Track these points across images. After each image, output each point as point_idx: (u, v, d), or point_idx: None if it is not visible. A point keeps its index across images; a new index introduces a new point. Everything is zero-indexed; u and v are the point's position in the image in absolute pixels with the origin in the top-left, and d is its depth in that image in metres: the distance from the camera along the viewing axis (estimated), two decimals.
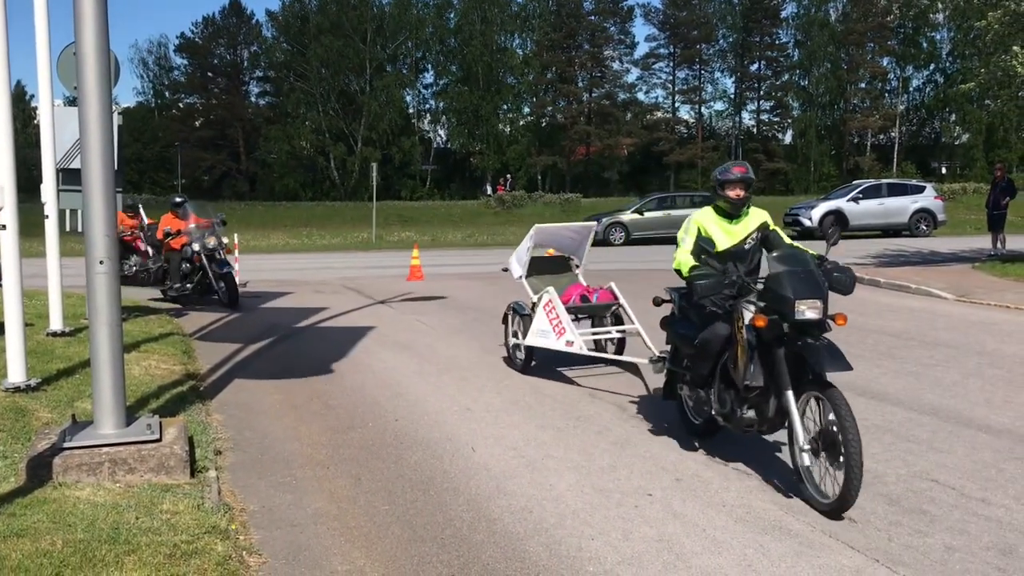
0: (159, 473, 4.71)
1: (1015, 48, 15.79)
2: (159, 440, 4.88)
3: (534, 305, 8.02)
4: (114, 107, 5.60)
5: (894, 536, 4.24)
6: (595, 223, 9.16)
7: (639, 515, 4.57)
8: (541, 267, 8.74)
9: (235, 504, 4.70)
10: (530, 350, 8.00)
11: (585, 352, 7.68)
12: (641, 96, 66.38)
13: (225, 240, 12.95)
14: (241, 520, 4.47)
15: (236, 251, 17.67)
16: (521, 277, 8.40)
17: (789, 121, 64.66)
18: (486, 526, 4.46)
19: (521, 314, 8.19)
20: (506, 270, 8.64)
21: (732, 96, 65.94)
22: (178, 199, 13.44)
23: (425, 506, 4.75)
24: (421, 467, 5.42)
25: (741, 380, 4.95)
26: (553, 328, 7.65)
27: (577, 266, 8.90)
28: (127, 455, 4.70)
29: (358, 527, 4.47)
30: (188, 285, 12.89)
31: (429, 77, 67.66)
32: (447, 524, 4.49)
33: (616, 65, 65.42)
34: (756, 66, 64.22)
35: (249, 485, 5.09)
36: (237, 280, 14.86)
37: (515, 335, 8.30)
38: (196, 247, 12.50)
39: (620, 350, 8.25)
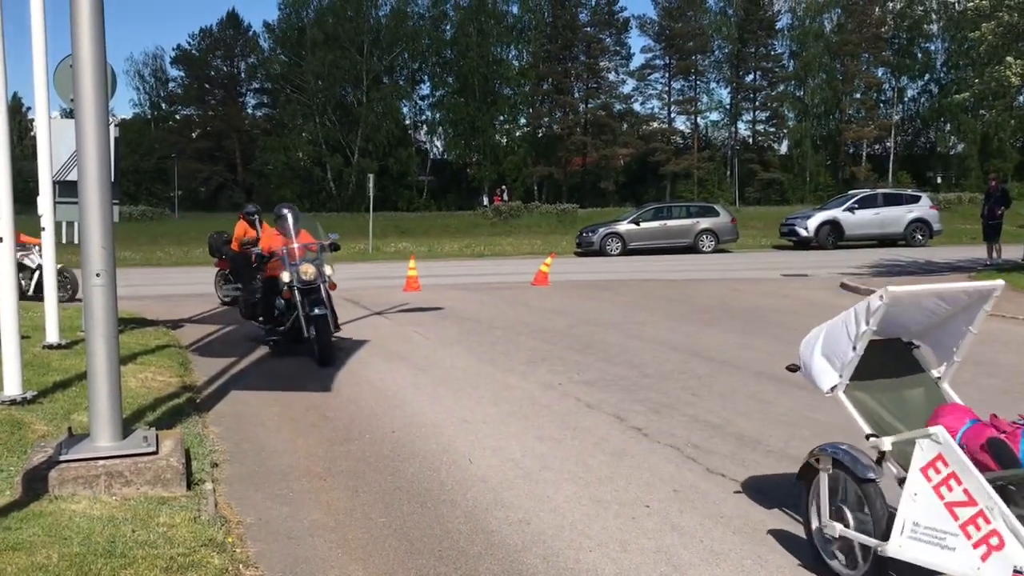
0: (155, 486, 4.70)
1: (1009, 59, 15.88)
2: (155, 453, 4.87)
3: (880, 457, 3.82)
4: (111, 119, 5.61)
5: None
6: (1000, 283, 4.07)
7: (637, 527, 4.56)
8: (867, 366, 4.04)
9: (232, 517, 4.69)
10: (881, 561, 3.64)
11: None
12: (637, 107, 66.59)
13: (329, 271, 9.59)
14: (238, 533, 4.45)
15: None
16: (835, 389, 4.01)
17: (784, 131, 64.81)
18: (484, 538, 4.45)
19: (859, 477, 3.79)
20: (795, 369, 4.33)
21: (727, 106, 66.15)
22: (284, 210, 10.03)
23: (422, 518, 4.74)
24: (418, 479, 5.41)
25: None
26: (963, 527, 3.31)
27: (934, 366, 4.32)
28: (123, 468, 4.69)
29: (355, 539, 4.46)
30: (279, 328, 9.84)
31: (425, 88, 67.80)
32: (444, 536, 4.48)
33: (612, 76, 65.62)
34: (751, 77, 64.41)
35: (246, 497, 5.07)
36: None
37: (837, 515, 3.91)
38: (287, 277, 9.31)
39: None
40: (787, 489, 5.04)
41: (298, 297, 9.24)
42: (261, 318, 10.20)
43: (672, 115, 66.40)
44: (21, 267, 15.75)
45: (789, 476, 5.27)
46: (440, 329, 11.71)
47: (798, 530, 4.47)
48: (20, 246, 15.90)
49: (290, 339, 9.63)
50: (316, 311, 9.04)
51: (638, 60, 66.29)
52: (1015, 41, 16.44)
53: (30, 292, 15.37)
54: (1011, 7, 15.94)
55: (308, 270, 9.27)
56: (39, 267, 15.22)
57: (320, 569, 4.11)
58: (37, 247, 15.63)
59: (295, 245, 9.57)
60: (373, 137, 60.64)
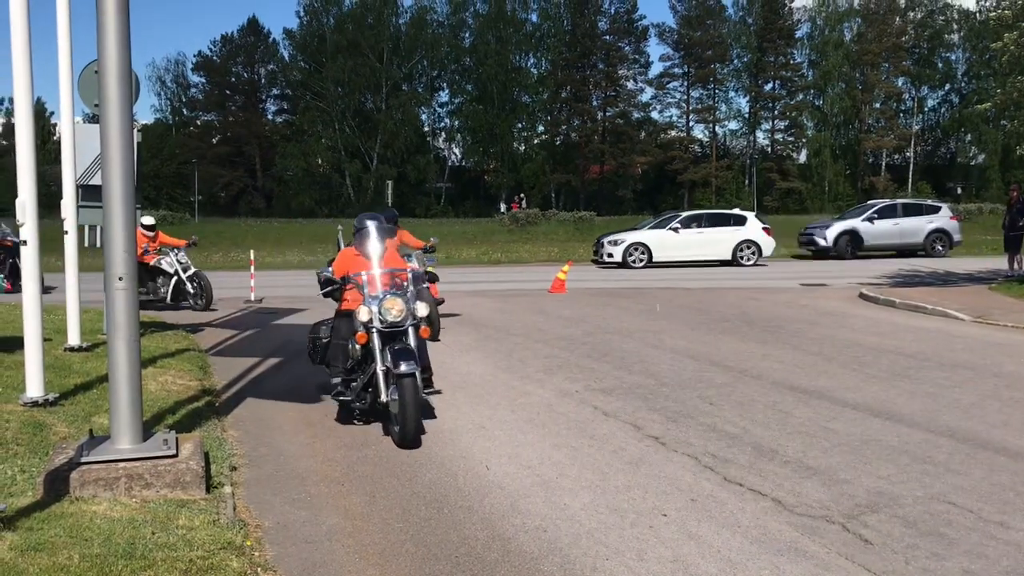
0: (175, 488, 4.73)
1: None
2: (175, 456, 4.91)
3: None
4: (134, 124, 5.68)
5: (911, 559, 4.21)
6: None
7: (654, 535, 4.55)
8: None
9: (250, 520, 4.72)
10: None
11: None
12: (655, 115, 66.68)
13: (424, 311, 6.92)
14: (256, 536, 4.48)
15: (252, 267, 17.72)
16: None
17: (803, 140, 64.66)
18: (500, 545, 4.45)
19: None
20: None
21: (746, 115, 66.02)
22: (365, 221, 7.28)
23: (439, 524, 4.75)
24: (435, 485, 5.42)
25: None
26: None
27: None
28: (143, 470, 4.73)
29: (372, 544, 4.47)
30: (351, 382, 6.96)
31: (444, 96, 68.23)
32: (461, 543, 4.48)
33: (630, 84, 65.78)
34: (770, 85, 64.32)
35: (264, 501, 5.10)
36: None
37: None
38: (364, 315, 6.65)
39: None
40: (805, 499, 5.02)
41: (376, 343, 6.61)
42: (330, 365, 7.42)
43: (690, 123, 66.48)
44: (158, 271, 14.87)
45: (807, 486, 5.25)
46: (457, 335, 11.72)
47: (817, 541, 4.45)
48: (158, 248, 15.12)
49: (364, 399, 6.87)
50: (403, 367, 6.25)
51: (657, 68, 66.43)
52: None
53: (168, 299, 14.72)
54: None
55: (395, 306, 6.66)
56: (177, 272, 14.71)
57: (337, 573, 4.12)
58: (178, 249, 15.02)
59: (378, 271, 6.95)
60: (392, 144, 60.98)
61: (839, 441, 6.28)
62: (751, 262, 25.69)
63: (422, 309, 6.87)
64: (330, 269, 7.24)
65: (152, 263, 14.81)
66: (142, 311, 13.83)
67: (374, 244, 7.10)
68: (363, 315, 6.67)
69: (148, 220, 15.27)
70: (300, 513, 4.92)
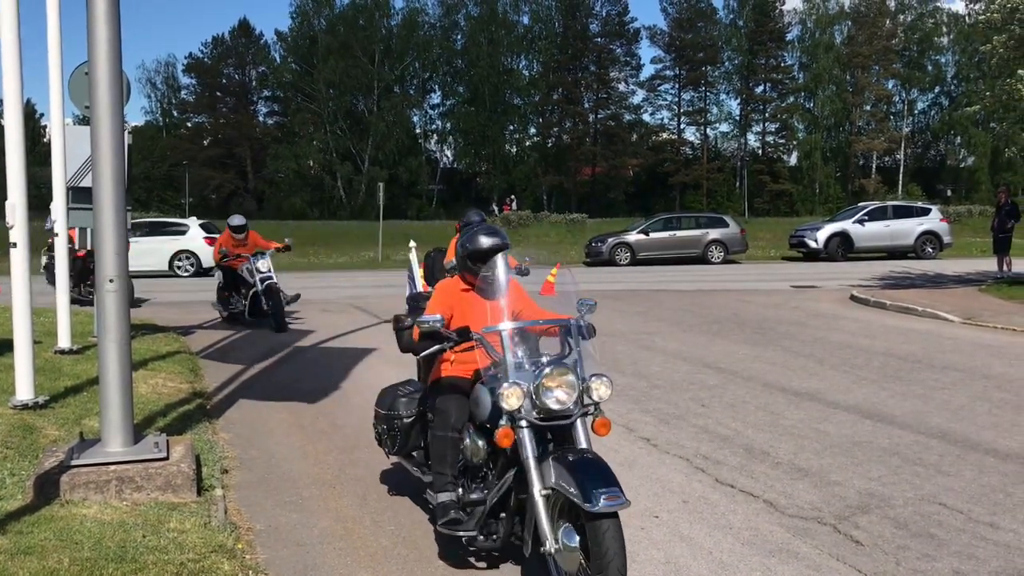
0: (166, 491, 4.72)
1: (1020, 71, 15.84)
2: (166, 458, 4.90)
3: None
4: (124, 126, 5.65)
5: (902, 560, 4.23)
6: None
7: (646, 537, 4.56)
8: None
9: (242, 523, 4.70)
10: None
11: None
12: (647, 117, 66.63)
13: (601, 392, 3.95)
14: (248, 539, 4.47)
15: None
16: None
17: (794, 143, 64.73)
18: None
19: None
20: None
21: (737, 118, 66.11)
22: (483, 239, 4.55)
23: (431, 526, 4.73)
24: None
25: None
26: None
27: None
28: (134, 473, 4.71)
29: (364, 547, 4.47)
30: (477, 503, 4.10)
31: (436, 98, 68.05)
32: (454, 544, 4.47)
33: (622, 87, 65.73)
34: (761, 88, 64.37)
35: (256, 504, 5.09)
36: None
37: None
38: (512, 402, 3.76)
39: None
40: (796, 501, 5.04)
41: (531, 448, 3.81)
42: (426, 465, 4.70)
43: (682, 126, 66.47)
44: (242, 281, 12.81)
45: (799, 488, 5.27)
46: None
47: (808, 542, 4.46)
48: (243, 255, 12.92)
49: (494, 534, 4.09)
50: (602, 502, 3.47)
51: (648, 71, 66.53)
52: None
53: (246, 314, 12.68)
54: (1023, 20, 15.92)
55: (562, 385, 3.88)
56: (255, 284, 12.53)
57: None
58: (260, 256, 12.84)
59: (511, 325, 4.14)
60: (383, 146, 60.84)
61: (830, 443, 6.30)
62: (188, 274, 24.54)
63: (602, 388, 3.98)
64: (438, 319, 4.16)
65: (239, 269, 12.88)
66: (232, 322, 13.12)
67: (503, 282, 4.35)
68: (512, 400, 3.78)
69: (237, 220, 13.36)
70: (291, 516, 4.92)
